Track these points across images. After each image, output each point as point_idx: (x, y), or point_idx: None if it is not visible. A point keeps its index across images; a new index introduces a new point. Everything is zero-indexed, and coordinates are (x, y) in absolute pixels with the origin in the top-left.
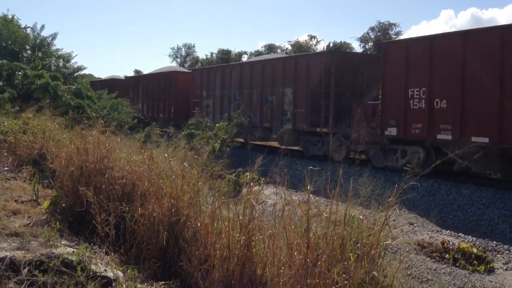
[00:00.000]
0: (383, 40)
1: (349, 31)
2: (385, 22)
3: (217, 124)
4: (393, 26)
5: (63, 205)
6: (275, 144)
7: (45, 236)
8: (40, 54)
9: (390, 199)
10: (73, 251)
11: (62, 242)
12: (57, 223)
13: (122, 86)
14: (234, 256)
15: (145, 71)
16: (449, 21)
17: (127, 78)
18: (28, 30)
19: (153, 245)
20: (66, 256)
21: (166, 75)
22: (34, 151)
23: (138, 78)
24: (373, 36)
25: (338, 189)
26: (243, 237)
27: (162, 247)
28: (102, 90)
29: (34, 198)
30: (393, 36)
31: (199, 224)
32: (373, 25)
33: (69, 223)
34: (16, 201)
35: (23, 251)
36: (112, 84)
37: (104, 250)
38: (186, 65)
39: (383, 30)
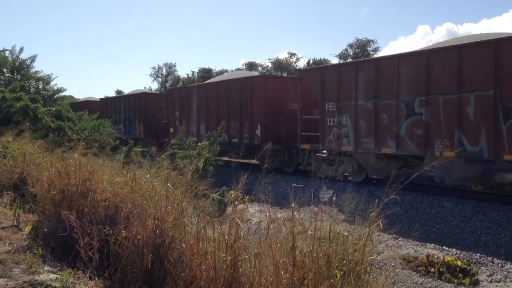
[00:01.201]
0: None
1: (328, 48)
2: (363, 39)
3: (199, 144)
4: (371, 43)
5: (45, 230)
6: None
7: (27, 263)
8: (19, 76)
9: (372, 214)
10: (56, 277)
11: (45, 268)
12: (39, 249)
13: (157, 103)
14: (220, 277)
15: (127, 91)
16: (426, 37)
17: (169, 90)
18: (7, 53)
19: (138, 268)
20: (49, 283)
21: (243, 82)
22: (15, 176)
23: (190, 90)
24: (351, 53)
25: (321, 205)
26: (229, 257)
27: (147, 270)
28: (126, 112)
29: (15, 223)
30: (371, 53)
31: (184, 245)
32: (351, 42)
33: (51, 248)
34: None
35: (5, 279)
36: (142, 100)
37: (88, 275)
38: (167, 84)
39: (361, 47)
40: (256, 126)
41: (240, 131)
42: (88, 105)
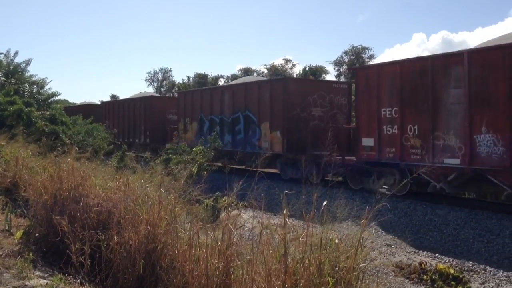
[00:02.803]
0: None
1: (323, 55)
2: (358, 46)
3: (193, 149)
4: (366, 50)
5: (37, 234)
6: None
7: (18, 268)
8: (13, 80)
9: (363, 221)
10: (47, 283)
11: (36, 274)
12: (31, 254)
13: (304, 95)
14: (212, 283)
15: (122, 96)
16: (422, 45)
17: (360, 68)
18: (1, 57)
19: (129, 274)
20: None
21: None
22: (7, 180)
23: (446, 62)
24: (347, 60)
25: (313, 212)
26: (222, 264)
27: (139, 276)
28: (237, 112)
29: (7, 228)
30: (366, 60)
31: (176, 251)
32: (347, 49)
33: (42, 253)
34: None
35: None
36: (279, 90)
37: (79, 280)
38: (163, 89)
39: (357, 54)
40: None
41: None
42: (153, 103)
